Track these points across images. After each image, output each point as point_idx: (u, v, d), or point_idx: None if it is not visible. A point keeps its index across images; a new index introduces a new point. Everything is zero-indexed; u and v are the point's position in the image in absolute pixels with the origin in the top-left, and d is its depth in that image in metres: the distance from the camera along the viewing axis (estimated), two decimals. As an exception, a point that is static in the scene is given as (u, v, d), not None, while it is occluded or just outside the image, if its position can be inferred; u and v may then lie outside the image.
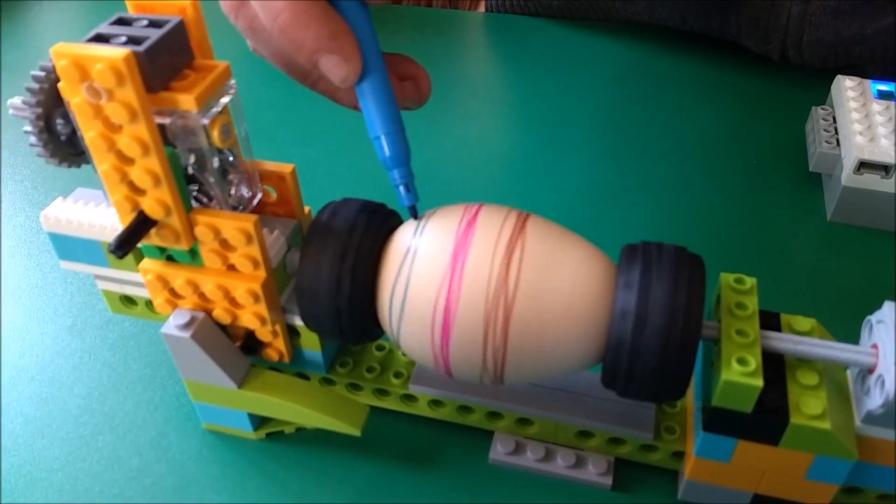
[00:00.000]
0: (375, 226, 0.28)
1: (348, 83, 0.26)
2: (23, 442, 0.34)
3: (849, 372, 0.28)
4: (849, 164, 0.42)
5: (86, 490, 0.32)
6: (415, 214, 0.28)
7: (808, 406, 0.26)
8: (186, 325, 0.29)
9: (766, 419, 0.26)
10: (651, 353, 0.25)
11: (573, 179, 0.49)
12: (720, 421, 0.27)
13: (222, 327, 0.30)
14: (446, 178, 0.50)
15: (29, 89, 0.26)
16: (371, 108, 0.27)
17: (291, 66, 0.29)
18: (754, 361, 0.25)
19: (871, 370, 0.26)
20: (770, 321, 0.28)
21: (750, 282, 0.28)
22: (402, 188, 0.28)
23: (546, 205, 0.47)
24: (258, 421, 0.34)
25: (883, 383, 0.25)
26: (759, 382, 0.25)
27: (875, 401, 0.26)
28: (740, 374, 0.25)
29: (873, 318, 0.27)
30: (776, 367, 0.27)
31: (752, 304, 0.27)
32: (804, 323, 0.28)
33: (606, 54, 0.61)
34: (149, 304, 0.34)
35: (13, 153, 0.53)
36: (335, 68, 0.26)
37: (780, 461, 0.27)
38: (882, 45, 0.52)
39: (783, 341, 0.27)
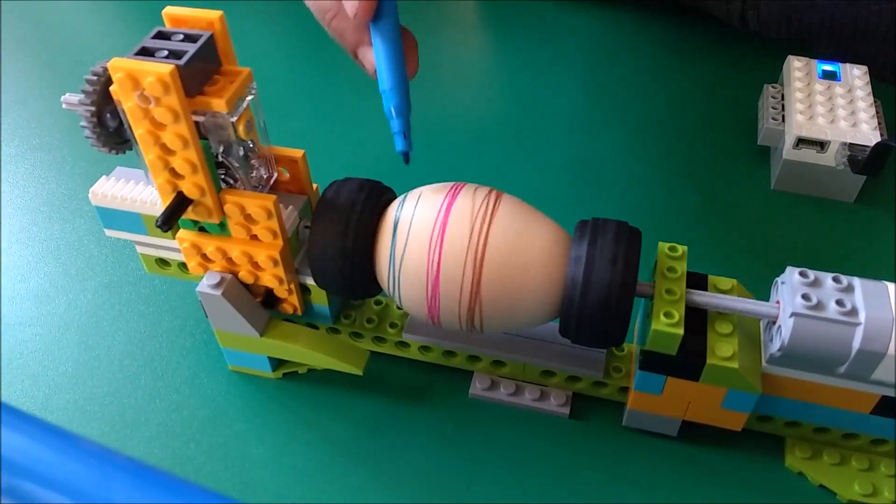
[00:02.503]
0: (373, 200, 0.34)
1: (359, 18, 0.31)
2: (75, 381, 0.40)
3: (761, 323, 0.35)
4: (789, 139, 0.48)
5: (133, 420, 0.39)
6: (407, 159, 0.33)
7: (722, 350, 0.32)
8: (217, 285, 0.35)
9: (688, 360, 0.32)
10: (594, 309, 0.31)
11: (541, 157, 0.54)
12: (652, 362, 0.33)
13: (246, 286, 0.36)
14: (427, 151, 0.54)
15: (84, 91, 0.32)
16: (381, 57, 0.32)
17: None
18: (678, 315, 0.31)
19: (774, 321, 0.32)
20: (699, 281, 0.34)
21: (681, 249, 0.34)
22: (399, 136, 0.32)
23: (516, 185, 0.51)
24: (276, 363, 0.40)
25: (781, 332, 0.32)
26: (679, 331, 0.31)
27: (775, 345, 0.32)
28: (666, 324, 0.31)
29: (779, 279, 0.33)
30: (700, 318, 0.33)
31: (682, 268, 0.33)
32: (726, 283, 0.34)
33: (575, 30, 0.66)
34: (181, 265, 0.39)
35: (49, 132, 0.58)
36: (350, 1, 0.30)
37: (700, 393, 0.34)
38: (830, 16, 0.56)
39: (705, 297, 0.33)
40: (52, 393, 0.40)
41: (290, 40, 0.67)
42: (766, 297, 0.34)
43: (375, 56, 0.32)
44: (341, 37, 0.34)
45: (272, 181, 0.35)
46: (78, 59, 0.65)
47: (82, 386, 0.40)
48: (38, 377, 0.41)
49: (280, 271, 0.35)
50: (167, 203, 0.32)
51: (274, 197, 0.32)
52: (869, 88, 0.50)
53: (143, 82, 0.28)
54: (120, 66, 0.28)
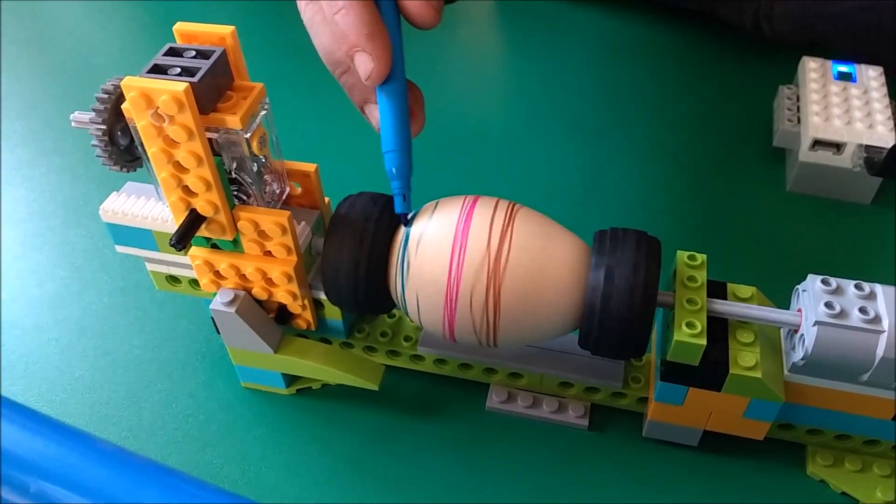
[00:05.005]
0: (387, 216, 0.33)
1: (371, 81, 0.30)
2: (92, 386, 0.40)
3: (781, 331, 0.34)
4: (805, 141, 0.47)
5: (150, 423, 0.39)
6: (405, 222, 0.33)
7: (744, 360, 0.32)
8: (231, 302, 0.35)
9: (711, 371, 0.32)
10: (616, 320, 0.30)
11: (555, 162, 0.53)
12: (674, 372, 0.33)
13: (259, 302, 0.36)
14: (437, 154, 0.53)
15: (95, 109, 0.31)
16: (386, 118, 0.31)
17: (331, 54, 0.32)
18: (700, 325, 0.31)
19: (796, 330, 0.32)
20: (718, 289, 0.34)
21: (701, 258, 0.34)
22: (399, 197, 0.32)
23: (529, 192, 0.51)
24: (289, 379, 0.39)
25: (803, 341, 0.31)
26: (702, 342, 0.31)
27: (798, 354, 0.32)
28: (688, 335, 0.31)
29: (800, 287, 0.33)
30: (721, 327, 0.33)
31: (702, 277, 0.33)
32: (746, 291, 0.34)
33: (589, 33, 0.65)
34: (192, 282, 0.39)
35: (63, 136, 0.57)
36: (363, 64, 0.30)
37: (722, 403, 0.33)
38: (843, 25, 0.56)
39: (726, 307, 0.32)
40: (68, 397, 0.40)
41: (297, 47, 0.66)
42: (784, 300, 0.34)
43: (380, 116, 0.31)
44: (350, 92, 0.33)
45: (284, 196, 0.35)
46: (88, 62, 0.65)
47: (99, 390, 0.40)
48: (54, 382, 0.41)
49: (294, 287, 0.34)
50: (180, 221, 0.32)
51: (288, 213, 0.32)
52: (885, 89, 0.49)
53: (158, 101, 0.28)
54: (133, 85, 0.28)
